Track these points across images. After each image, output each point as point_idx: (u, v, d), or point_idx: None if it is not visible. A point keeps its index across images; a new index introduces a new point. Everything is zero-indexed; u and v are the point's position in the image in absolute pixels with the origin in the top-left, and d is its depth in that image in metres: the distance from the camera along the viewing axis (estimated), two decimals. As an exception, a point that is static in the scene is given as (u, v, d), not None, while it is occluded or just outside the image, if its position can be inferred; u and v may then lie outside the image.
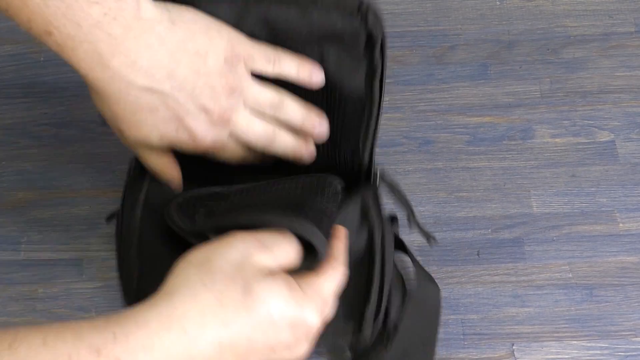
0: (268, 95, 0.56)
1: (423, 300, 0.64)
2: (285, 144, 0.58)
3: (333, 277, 0.51)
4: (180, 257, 0.47)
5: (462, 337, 0.67)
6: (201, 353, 0.44)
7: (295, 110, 0.57)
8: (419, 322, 0.63)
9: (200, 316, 0.44)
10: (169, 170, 0.59)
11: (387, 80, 0.77)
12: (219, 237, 0.49)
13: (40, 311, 0.68)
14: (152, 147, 0.56)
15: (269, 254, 0.48)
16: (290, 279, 0.48)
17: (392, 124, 0.76)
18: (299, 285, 0.48)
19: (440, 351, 0.66)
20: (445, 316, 0.68)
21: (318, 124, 0.58)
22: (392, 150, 0.74)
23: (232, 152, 0.58)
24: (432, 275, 0.69)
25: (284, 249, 0.49)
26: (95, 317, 0.42)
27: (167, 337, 0.43)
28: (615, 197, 0.72)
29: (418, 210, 0.72)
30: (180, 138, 0.54)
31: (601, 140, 0.75)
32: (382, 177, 0.63)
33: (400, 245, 0.65)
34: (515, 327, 0.67)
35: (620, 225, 0.71)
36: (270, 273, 0.47)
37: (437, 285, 0.65)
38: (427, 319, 0.64)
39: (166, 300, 0.44)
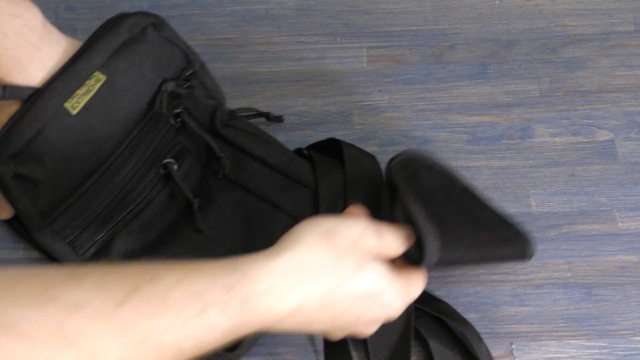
0: None
1: (355, 159, 0.70)
2: None
3: (423, 283, 0.56)
4: (307, 220, 0.52)
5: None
6: (309, 303, 0.48)
7: None
8: (362, 175, 0.69)
9: (318, 271, 0.48)
10: None
11: (386, 80, 0.78)
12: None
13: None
14: None
15: (379, 241, 0.52)
16: (395, 269, 0.53)
17: (391, 123, 0.76)
18: (399, 275, 0.53)
19: (439, 350, 0.67)
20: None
21: None
22: (392, 149, 0.74)
23: None
24: (432, 274, 0.69)
25: (393, 240, 0.53)
26: (224, 260, 0.47)
27: (287, 284, 0.47)
28: (614, 197, 0.72)
29: (417, 209, 0.72)
30: None
31: (600, 139, 0.75)
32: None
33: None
34: (514, 326, 0.67)
35: (620, 224, 0.71)
36: (378, 256, 0.52)
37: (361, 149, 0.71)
38: (368, 169, 0.70)
39: (291, 251, 0.48)
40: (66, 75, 0.61)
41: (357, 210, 0.58)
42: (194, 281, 0.44)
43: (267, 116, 0.74)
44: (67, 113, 0.61)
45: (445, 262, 0.55)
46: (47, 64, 0.62)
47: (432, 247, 0.53)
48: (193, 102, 0.68)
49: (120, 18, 0.65)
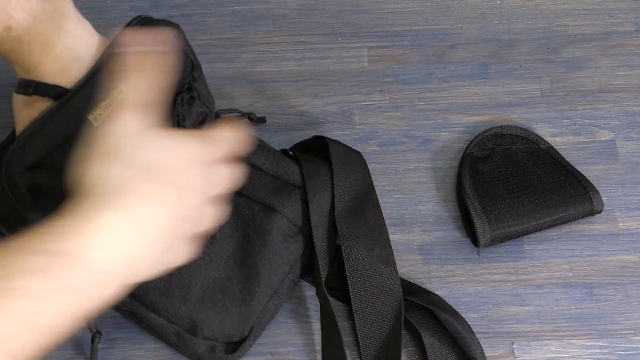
0: None
1: (343, 158, 0.70)
2: None
3: (230, 136, 0.50)
4: (83, 162, 0.45)
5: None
6: (153, 222, 0.44)
7: None
8: (350, 174, 0.69)
9: (137, 196, 0.44)
10: None
11: (387, 79, 0.78)
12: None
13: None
14: None
15: (131, 113, 0.46)
16: (199, 136, 0.48)
17: (392, 123, 0.76)
18: (203, 135, 0.48)
19: (440, 350, 0.66)
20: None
21: None
22: (392, 149, 0.75)
23: None
24: (433, 274, 0.69)
25: (137, 92, 0.47)
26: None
27: (114, 220, 0.43)
28: (615, 196, 0.72)
29: (418, 209, 0.72)
30: None
31: (601, 139, 0.75)
32: None
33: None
34: (515, 325, 0.67)
35: (620, 224, 0.71)
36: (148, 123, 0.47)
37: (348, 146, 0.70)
38: (356, 170, 0.70)
39: (89, 196, 0.43)
40: (95, 83, 0.59)
41: None
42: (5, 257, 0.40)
43: (250, 117, 0.74)
44: (90, 124, 0.60)
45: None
46: (80, 55, 0.59)
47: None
48: (188, 110, 0.68)
49: (144, 21, 0.63)
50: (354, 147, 0.74)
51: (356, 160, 0.71)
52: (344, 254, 0.66)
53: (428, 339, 0.65)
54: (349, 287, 0.66)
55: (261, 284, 0.64)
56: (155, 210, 0.44)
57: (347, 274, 0.66)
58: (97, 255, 0.42)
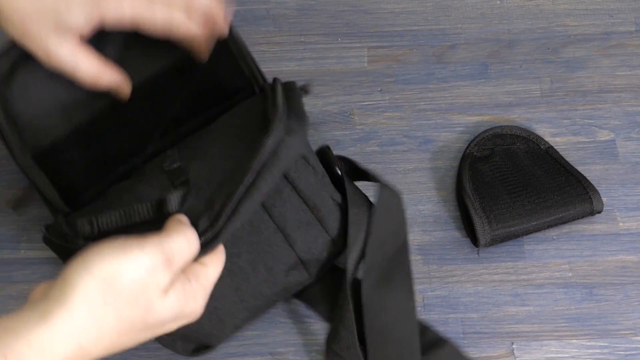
0: None
1: (386, 207, 0.63)
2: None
3: (218, 267, 0.52)
4: (77, 259, 0.45)
5: (462, 336, 0.67)
6: (91, 356, 0.44)
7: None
8: (387, 228, 0.63)
9: (97, 334, 0.44)
10: (93, 64, 0.54)
11: (387, 80, 0.78)
12: (120, 242, 0.46)
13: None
14: (70, 31, 0.52)
15: (170, 270, 0.47)
16: (184, 281, 0.49)
17: (392, 123, 0.76)
18: (189, 279, 0.49)
19: (440, 350, 0.66)
20: (445, 315, 0.68)
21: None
22: (392, 149, 0.75)
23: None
24: (433, 274, 0.69)
25: (184, 252, 0.49)
26: None
27: (62, 354, 0.42)
28: (615, 196, 0.72)
29: (418, 209, 0.72)
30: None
31: (601, 139, 0.75)
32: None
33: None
34: (515, 326, 0.67)
35: (620, 224, 0.71)
36: (170, 285, 0.48)
37: (396, 190, 0.63)
38: (395, 224, 0.64)
39: (62, 312, 0.42)
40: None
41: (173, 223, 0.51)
42: None
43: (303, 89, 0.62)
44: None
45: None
46: None
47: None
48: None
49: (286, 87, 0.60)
50: (353, 147, 0.75)
51: (397, 207, 0.63)
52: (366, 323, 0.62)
53: None
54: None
55: (250, 309, 0.62)
56: (99, 354, 0.45)
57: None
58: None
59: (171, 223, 0.50)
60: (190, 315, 0.50)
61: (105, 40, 0.57)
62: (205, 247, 0.51)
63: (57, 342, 0.42)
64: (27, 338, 0.41)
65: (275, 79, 0.60)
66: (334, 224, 0.61)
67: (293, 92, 0.59)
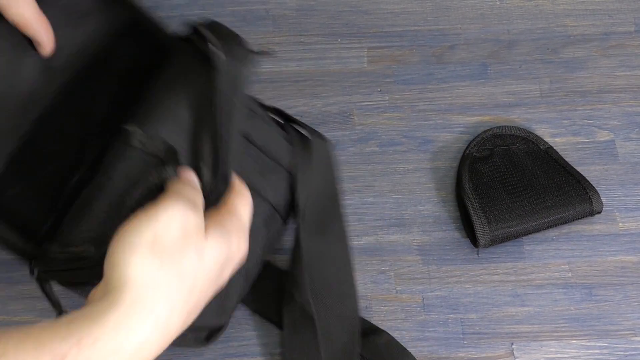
0: None
1: (318, 154, 0.65)
2: None
3: (243, 206, 0.52)
4: (112, 249, 0.44)
5: (461, 336, 0.67)
6: (173, 328, 0.44)
7: None
8: (320, 175, 0.65)
9: (167, 300, 0.43)
10: (40, 23, 0.54)
11: (386, 80, 0.78)
12: (138, 215, 0.46)
13: (40, 310, 0.68)
14: None
15: (197, 210, 0.47)
16: (217, 225, 0.49)
17: (391, 123, 0.76)
18: (223, 225, 0.49)
19: (439, 350, 0.67)
20: (445, 315, 0.68)
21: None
22: (392, 149, 0.75)
23: None
24: (433, 274, 0.69)
25: (198, 193, 0.49)
26: (57, 319, 0.40)
27: (140, 331, 0.41)
28: (614, 197, 0.72)
29: (418, 209, 0.72)
30: None
31: (601, 139, 0.75)
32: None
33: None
34: (515, 326, 0.67)
35: (620, 224, 0.71)
36: (204, 227, 0.47)
37: (326, 137, 0.66)
38: (326, 170, 0.66)
39: (127, 295, 0.42)
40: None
41: (185, 176, 0.51)
42: (18, 352, 0.38)
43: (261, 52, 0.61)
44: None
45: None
46: None
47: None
48: None
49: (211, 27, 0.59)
50: (353, 148, 0.75)
51: (328, 153, 0.66)
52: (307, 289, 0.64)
53: None
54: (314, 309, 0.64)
55: (244, 273, 0.61)
56: (180, 322, 0.44)
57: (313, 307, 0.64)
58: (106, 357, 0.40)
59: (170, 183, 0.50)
60: (237, 254, 0.50)
61: None
62: (218, 187, 0.51)
63: (131, 322, 0.41)
64: (100, 322, 0.40)
65: (196, 25, 0.57)
66: (286, 159, 0.63)
67: (220, 30, 0.57)
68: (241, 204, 0.52)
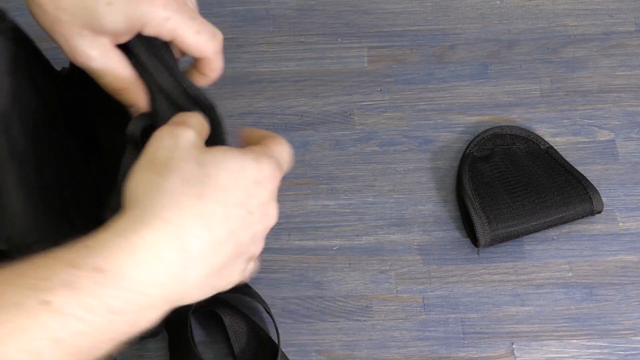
0: None
1: None
2: None
3: (281, 144, 0.48)
4: (130, 175, 0.43)
5: (462, 336, 0.67)
6: (192, 244, 0.41)
7: None
8: None
9: (175, 204, 0.41)
10: (125, 72, 0.51)
11: (387, 80, 0.78)
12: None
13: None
14: (105, 34, 0.49)
15: (189, 128, 0.45)
16: (246, 149, 0.46)
17: (392, 123, 0.76)
18: (253, 149, 0.46)
19: (440, 350, 0.66)
20: (445, 315, 0.68)
21: None
22: (392, 149, 0.74)
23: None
24: (433, 274, 0.69)
25: (195, 117, 0.47)
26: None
27: (153, 236, 0.40)
28: (615, 196, 0.72)
29: (418, 209, 0.72)
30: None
31: (601, 139, 0.75)
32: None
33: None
34: (515, 326, 0.67)
35: (620, 224, 0.71)
36: (207, 147, 0.45)
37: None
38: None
39: (134, 204, 0.41)
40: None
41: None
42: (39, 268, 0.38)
43: None
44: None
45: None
46: None
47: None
48: None
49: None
50: (353, 147, 0.75)
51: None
52: None
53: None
54: None
55: None
56: (199, 228, 0.41)
57: None
58: (134, 275, 0.39)
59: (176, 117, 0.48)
60: (264, 177, 0.45)
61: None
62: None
63: (140, 228, 0.40)
64: (123, 246, 0.39)
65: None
66: None
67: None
68: (279, 148, 0.48)
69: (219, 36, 0.55)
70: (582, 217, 0.70)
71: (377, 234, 0.71)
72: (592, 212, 0.69)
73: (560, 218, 0.69)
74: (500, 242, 0.69)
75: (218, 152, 0.44)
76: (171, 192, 0.41)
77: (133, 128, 0.51)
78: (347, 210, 0.72)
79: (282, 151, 0.48)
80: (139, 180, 0.42)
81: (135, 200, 0.42)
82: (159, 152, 0.43)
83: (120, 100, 0.53)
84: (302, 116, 0.76)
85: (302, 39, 0.80)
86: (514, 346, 0.66)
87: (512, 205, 0.69)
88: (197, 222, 0.41)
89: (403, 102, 0.77)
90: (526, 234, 0.69)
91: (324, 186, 0.73)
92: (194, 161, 0.43)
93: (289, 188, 0.72)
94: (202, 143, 0.45)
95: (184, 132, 0.44)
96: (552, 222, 0.69)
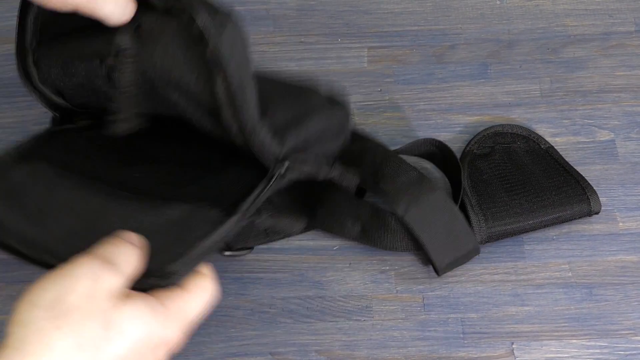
0: None
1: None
2: None
3: (201, 296, 0.47)
4: (20, 299, 0.41)
5: (461, 336, 0.67)
6: None
7: None
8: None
9: None
10: None
11: (387, 80, 0.78)
12: (57, 268, 0.42)
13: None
14: None
15: (115, 271, 0.42)
16: (149, 298, 0.44)
17: (392, 123, 0.76)
18: (162, 302, 0.44)
19: (440, 350, 0.67)
20: (445, 315, 0.68)
21: None
22: (392, 149, 0.74)
23: None
24: (433, 274, 0.69)
25: (127, 255, 0.44)
26: None
27: None
28: (615, 197, 0.72)
29: (418, 209, 0.72)
30: None
31: (601, 139, 0.75)
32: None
33: None
34: (515, 326, 0.67)
35: (620, 224, 0.71)
36: (126, 295, 0.43)
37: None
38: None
39: (19, 356, 0.38)
40: None
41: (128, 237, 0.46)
42: None
43: None
44: None
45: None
46: None
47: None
48: None
49: None
50: (353, 147, 0.75)
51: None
52: None
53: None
54: None
55: None
56: None
57: None
58: None
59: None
60: (163, 342, 0.44)
61: None
62: (179, 274, 0.46)
63: None
64: None
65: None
66: None
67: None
68: (197, 295, 0.46)
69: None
70: (580, 217, 0.70)
71: (377, 234, 0.71)
72: (590, 213, 0.69)
73: (558, 218, 0.69)
74: (497, 240, 0.69)
75: (134, 309, 0.42)
76: (59, 356, 0.39)
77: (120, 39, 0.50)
78: (347, 210, 0.72)
79: (197, 311, 0.46)
80: (33, 319, 0.39)
81: (20, 341, 0.39)
82: (69, 296, 0.40)
83: (92, 14, 0.49)
84: (302, 116, 0.76)
85: (302, 39, 0.80)
86: (513, 346, 0.66)
87: (509, 203, 0.69)
88: None
89: (403, 102, 0.77)
90: (523, 233, 0.69)
91: (324, 186, 0.73)
92: (101, 319, 0.41)
93: (289, 188, 0.72)
94: (125, 289, 0.43)
95: (107, 278, 0.42)
96: (549, 221, 0.69)
